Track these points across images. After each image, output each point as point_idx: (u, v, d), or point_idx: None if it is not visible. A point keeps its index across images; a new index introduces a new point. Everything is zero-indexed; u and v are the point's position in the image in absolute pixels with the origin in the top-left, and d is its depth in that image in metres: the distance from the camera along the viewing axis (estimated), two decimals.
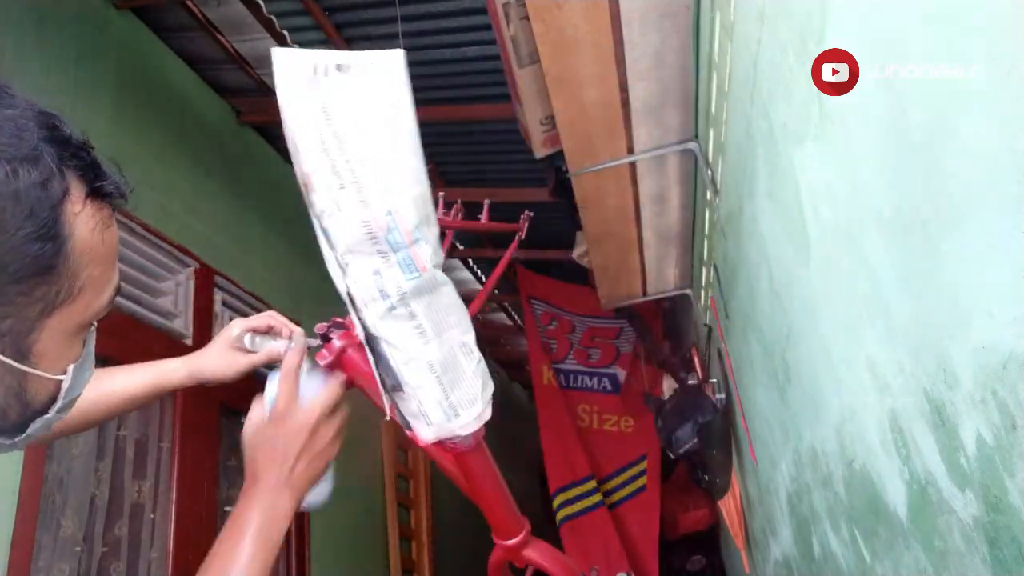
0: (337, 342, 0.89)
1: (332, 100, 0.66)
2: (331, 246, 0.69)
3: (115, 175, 0.70)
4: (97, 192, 0.65)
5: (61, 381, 0.63)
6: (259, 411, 0.86)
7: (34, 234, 0.55)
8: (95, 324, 0.66)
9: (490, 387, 0.82)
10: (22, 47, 2.38)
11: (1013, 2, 0.60)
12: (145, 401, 1.05)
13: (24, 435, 0.64)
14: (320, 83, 0.66)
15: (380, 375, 0.78)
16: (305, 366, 0.88)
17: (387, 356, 0.75)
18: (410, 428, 0.83)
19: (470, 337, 0.79)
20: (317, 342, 0.90)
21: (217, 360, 1.03)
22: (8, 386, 0.59)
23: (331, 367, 0.88)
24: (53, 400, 0.64)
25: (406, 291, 0.70)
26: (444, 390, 0.77)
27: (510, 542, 1.11)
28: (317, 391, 0.86)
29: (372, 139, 0.66)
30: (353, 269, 0.70)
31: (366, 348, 0.76)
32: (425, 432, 0.80)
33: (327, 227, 0.68)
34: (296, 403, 0.85)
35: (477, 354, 0.80)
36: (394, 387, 0.78)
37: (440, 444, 0.84)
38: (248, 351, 1.03)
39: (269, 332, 1.05)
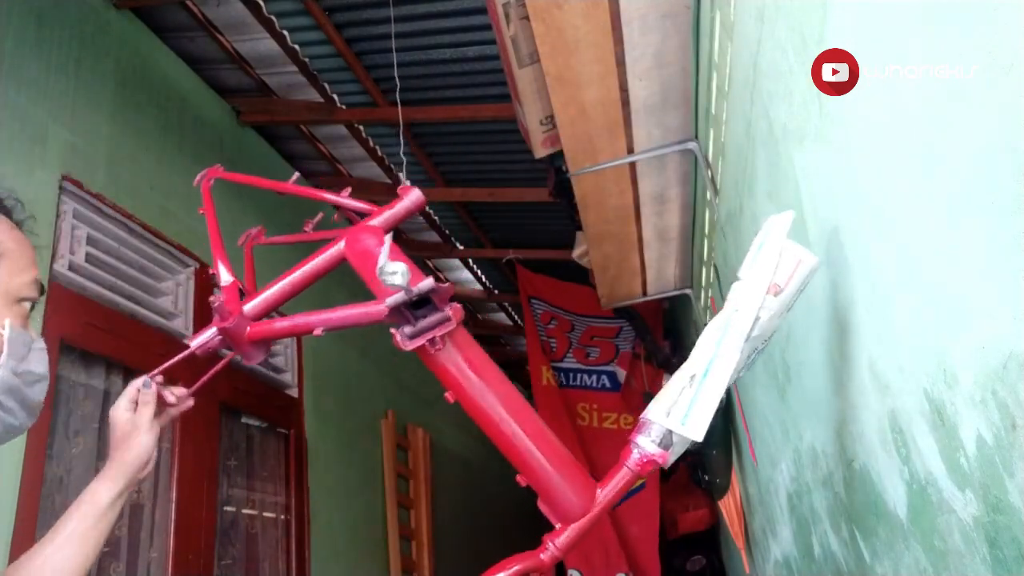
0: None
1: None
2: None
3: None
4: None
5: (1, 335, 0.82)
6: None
7: None
8: (28, 307, 0.86)
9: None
10: (22, 47, 2.38)
11: (1013, 2, 0.60)
12: (97, 538, 1.08)
13: None
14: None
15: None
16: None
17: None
18: None
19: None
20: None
21: (143, 448, 1.08)
22: None
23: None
24: None
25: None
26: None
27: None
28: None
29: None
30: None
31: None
32: None
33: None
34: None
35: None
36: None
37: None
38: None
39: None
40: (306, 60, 3.30)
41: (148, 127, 2.96)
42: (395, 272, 0.88)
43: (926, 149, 0.78)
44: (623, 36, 2.04)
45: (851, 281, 1.11)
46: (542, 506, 1.04)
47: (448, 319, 0.94)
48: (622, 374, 5.11)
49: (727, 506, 3.36)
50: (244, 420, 3.38)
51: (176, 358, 1.19)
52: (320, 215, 1.52)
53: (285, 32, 3.14)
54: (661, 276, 3.64)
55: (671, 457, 0.98)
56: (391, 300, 0.92)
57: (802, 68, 1.10)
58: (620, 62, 2.13)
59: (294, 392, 3.70)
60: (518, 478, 1.04)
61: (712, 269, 2.75)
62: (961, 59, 0.68)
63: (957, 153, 0.72)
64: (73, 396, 2.38)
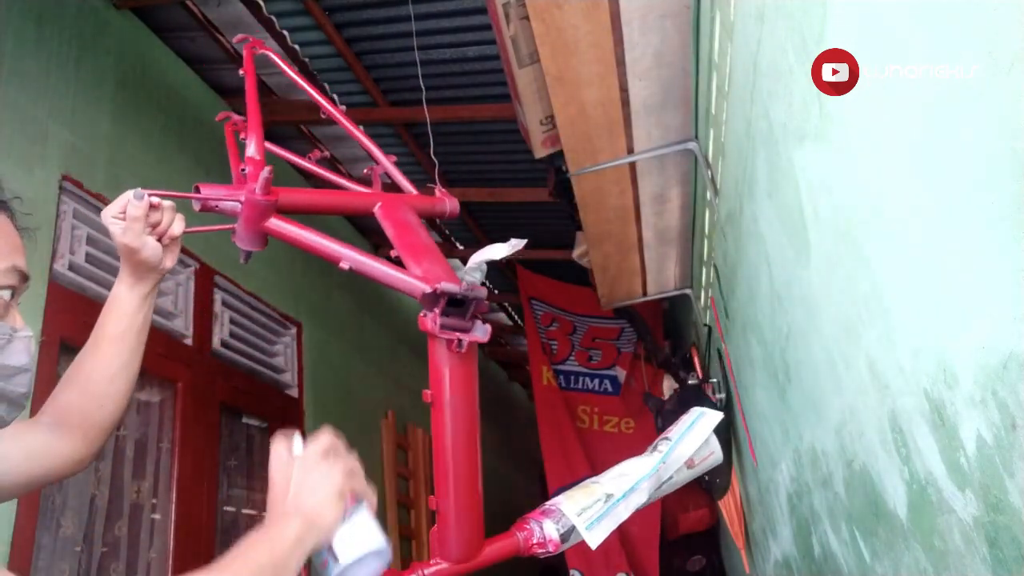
0: None
1: None
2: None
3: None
4: None
5: None
6: (281, 450, 0.89)
7: None
8: (7, 296, 0.82)
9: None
10: (22, 47, 2.38)
11: (1013, 2, 0.60)
12: (136, 334, 1.04)
13: None
14: None
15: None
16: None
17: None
18: None
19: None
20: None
21: (152, 250, 1.01)
22: None
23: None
24: None
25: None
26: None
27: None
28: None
29: None
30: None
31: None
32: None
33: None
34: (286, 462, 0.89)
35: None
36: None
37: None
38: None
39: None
40: (306, 60, 3.30)
41: (148, 127, 2.96)
42: (482, 270, 0.94)
43: (926, 149, 0.78)
44: (623, 36, 2.04)
45: (851, 281, 1.11)
46: (433, 534, 1.10)
47: (472, 328, 0.98)
48: (623, 377, 5.11)
49: (727, 506, 3.36)
50: (244, 420, 3.38)
51: (178, 195, 1.10)
52: (318, 153, 1.57)
53: (285, 32, 3.14)
54: (661, 276, 3.64)
55: (561, 549, 1.10)
56: (446, 287, 0.94)
57: (802, 68, 1.10)
58: (620, 62, 2.13)
59: (294, 392, 3.70)
60: (429, 499, 1.09)
61: (712, 269, 2.75)
62: (961, 59, 0.68)
63: (957, 153, 0.72)
64: None
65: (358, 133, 1.57)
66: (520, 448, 8.02)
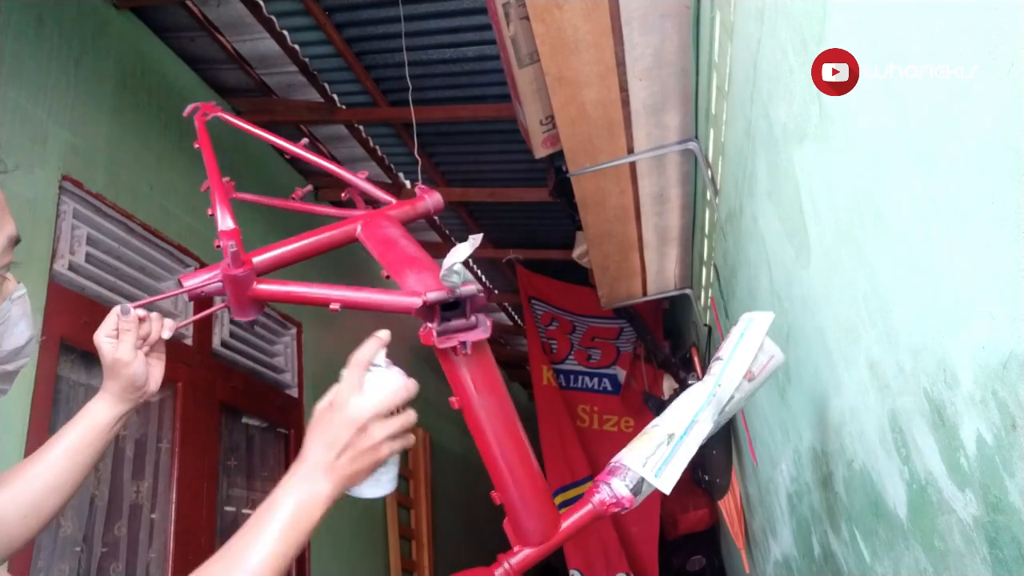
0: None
1: None
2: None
3: None
4: None
5: None
6: (329, 396, 0.87)
7: None
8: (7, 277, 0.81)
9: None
10: (22, 47, 2.38)
11: (1013, 2, 0.60)
12: (92, 455, 1.04)
13: None
14: None
15: None
16: (383, 362, 0.88)
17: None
18: None
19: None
20: (387, 339, 0.90)
21: (141, 365, 1.03)
22: None
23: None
24: None
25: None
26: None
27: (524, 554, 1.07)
28: (386, 388, 0.86)
29: None
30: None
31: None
32: None
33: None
34: (357, 394, 0.84)
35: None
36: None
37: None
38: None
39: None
40: (306, 60, 3.30)
41: (148, 127, 2.96)
42: (458, 271, 0.90)
43: (926, 149, 0.78)
44: (623, 36, 2.04)
45: (851, 281, 1.11)
46: (506, 526, 1.10)
47: (476, 327, 0.95)
48: (623, 376, 5.11)
49: (727, 506, 3.36)
50: (244, 420, 3.38)
51: (166, 295, 1.17)
52: (309, 187, 1.54)
53: (285, 32, 3.13)
54: (661, 276, 3.64)
55: (636, 502, 1.09)
56: (433, 296, 0.92)
57: (802, 68, 1.10)
58: (620, 62, 2.13)
59: (294, 392, 3.70)
60: (492, 494, 1.08)
61: (712, 269, 2.75)
62: (961, 59, 0.68)
63: (957, 153, 0.72)
64: (73, 396, 2.38)
65: (323, 161, 1.55)
66: None
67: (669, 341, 4.94)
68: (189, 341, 2.95)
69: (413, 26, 3.04)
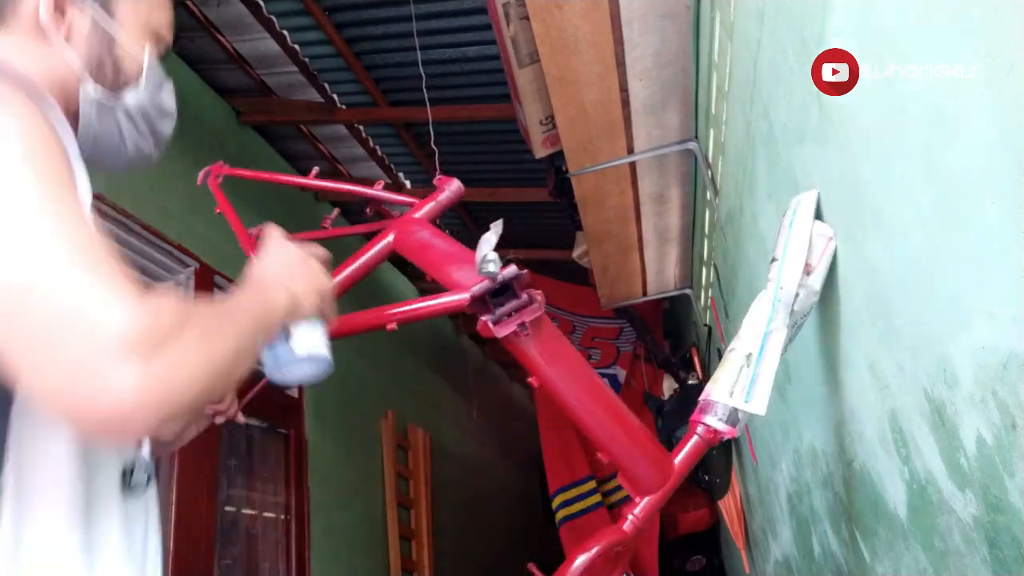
0: None
1: None
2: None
3: None
4: None
5: (142, 63, 0.91)
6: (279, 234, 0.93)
7: None
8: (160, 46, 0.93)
9: None
10: None
11: (1013, 2, 0.60)
12: None
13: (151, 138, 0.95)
14: None
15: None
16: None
17: None
18: None
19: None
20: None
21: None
22: (101, 42, 0.86)
23: None
24: (138, 78, 0.91)
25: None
26: None
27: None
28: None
29: None
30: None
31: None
32: None
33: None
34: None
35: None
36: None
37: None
38: None
39: None
40: (306, 60, 3.30)
41: None
42: (492, 259, 0.92)
43: (926, 149, 0.78)
44: (623, 36, 2.04)
45: (851, 281, 1.11)
46: (621, 480, 1.12)
47: (532, 303, 0.97)
48: (623, 376, 5.11)
49: (727, 506, 3.36)
50: (244, 420, 3.37)
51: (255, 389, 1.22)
52: (336, 211, 1.54)
53: (285, 32, 3.13)
54: (661, 276, 3.64)
55: (738, 432, 1.08)
56: (478, 288, 0.94)
57: (802, 68, 1.10)
58: (620, 62, 2.13)
59: (294, 392, 3.70)
60: (599, 455, 1.11)
61: (712, 269, 2.75)
62: (961, 59, 0.68)
63: (957, 153, 0.72)
64: None
65: (338, 185, 1.57)
66: (520, 447, 8.01)
67: (669, 341, 4.94)
68: None
69: (414, 26, 3.04)
